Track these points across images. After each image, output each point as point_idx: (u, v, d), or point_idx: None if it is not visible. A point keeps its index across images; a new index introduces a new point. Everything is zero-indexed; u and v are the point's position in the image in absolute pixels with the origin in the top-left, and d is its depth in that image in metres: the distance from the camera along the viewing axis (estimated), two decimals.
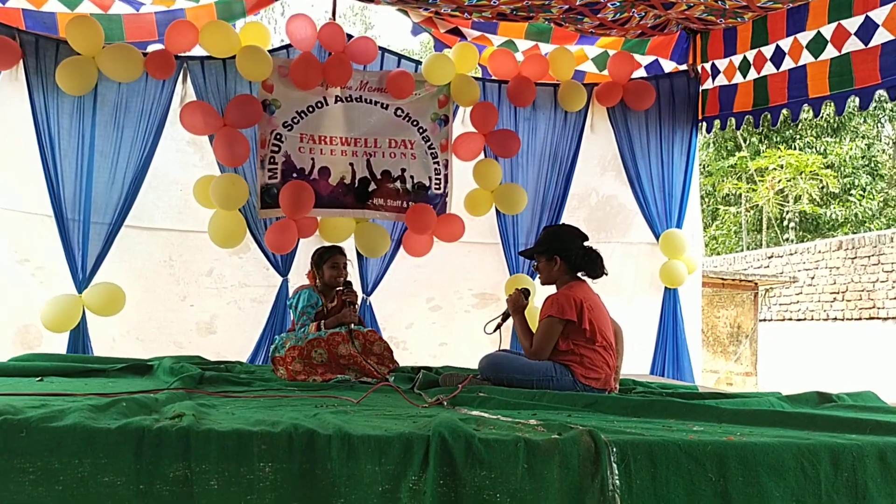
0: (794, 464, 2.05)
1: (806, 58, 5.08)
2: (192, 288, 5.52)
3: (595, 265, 3.79)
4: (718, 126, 6.11)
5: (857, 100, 4.82)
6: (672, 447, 2.02)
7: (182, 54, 5.26)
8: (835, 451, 2.09)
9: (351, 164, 5.50)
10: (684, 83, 6.09)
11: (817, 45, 4.97)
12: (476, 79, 5.77)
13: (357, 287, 4.80)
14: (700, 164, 13.71)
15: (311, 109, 5.43)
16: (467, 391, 3.25)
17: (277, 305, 5.46)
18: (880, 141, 22.66)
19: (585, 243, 3.85)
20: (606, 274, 3.83)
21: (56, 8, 5.10)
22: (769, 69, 5.40)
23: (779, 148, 19.81)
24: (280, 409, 2.56)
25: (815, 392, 3.30)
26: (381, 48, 5.65)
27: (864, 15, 4.63)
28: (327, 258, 4.29)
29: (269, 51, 5.33)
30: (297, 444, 1.94)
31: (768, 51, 5.36)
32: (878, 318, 12.23)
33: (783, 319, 14.37)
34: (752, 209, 21.73)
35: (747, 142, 20.70)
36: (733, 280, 10.15)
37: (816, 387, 3.38)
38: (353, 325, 4.11)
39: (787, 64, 5.25)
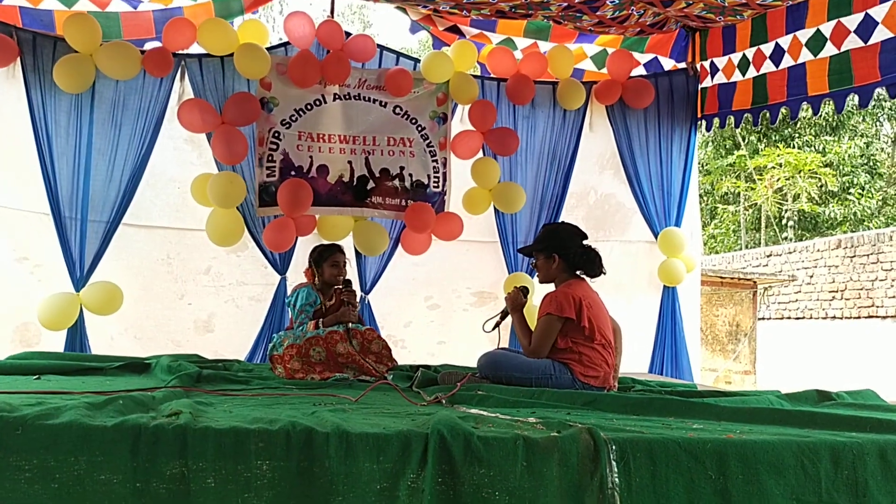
0: (794, 461, 2.04)
1: (805, 56, 5.07)
2: (190, 286, 5.51)
3: (594, 264, 3.78)
4: (717, 124, 6.10)
5: (857, 98, 4.81)
6: (672, 445, 2.02)
7: (180, 52, 5.24)
8: (835, 449, 2.09)
9: (349, 162, 5.49)
10: (683, 81, 6.08)
11: (817, 43, 4.96)
12: (475, 77, 5.76)
13: (355, 285, 4.78)
14: (699, 163, 13.69)
15: (309, 107, 5.41)
16: (466, 389, 3.24)
17: (275, 304, 5.45)
18: (879, 139, 22.68)
19: (584, 242, 3.85)
20: (605, 273, 3.82)
21: (53, 5, 5.09)
22: (768, 67, 5.39)
23: (777, 146, 19.83)
24: (278, 408, 2.55)
25: (814, 390, 3.29)
26: (379, 46, 5.64)
27: (864, 12, 4.62)
28: (327, 256, 4.28)
29: (268, 48, 5.31)
30: (294, 441, 1.93)
31: (767, 48, 5.35)
32: (877, 317, 12.24)
33: (782, 318, 14.38)
34: (751, 208, 21.74)
35: (746, 140, 20.71)
36: (732, 278, 10.14)
37: (815, 385, 3.36)
38: (350, 324, 4.11)
39: (787, 62, 5.24)
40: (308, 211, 5.29)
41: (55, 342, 4.99)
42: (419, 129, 5.61)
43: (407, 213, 5.49)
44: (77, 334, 5.00)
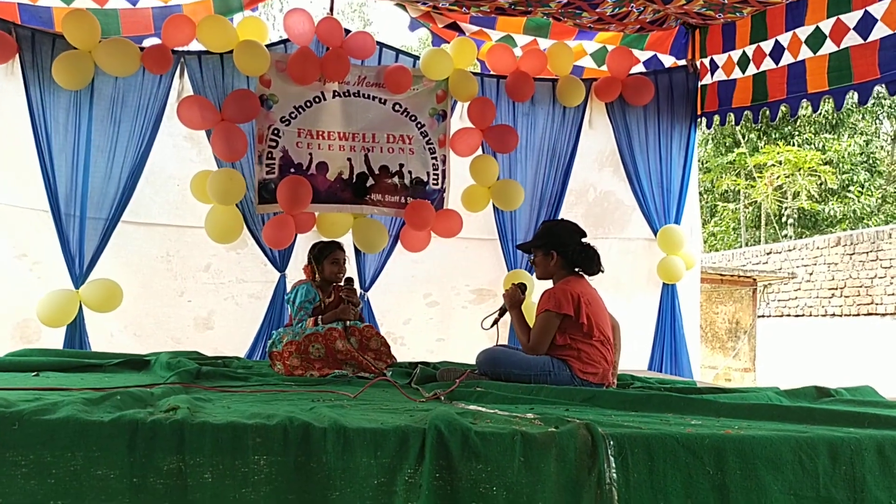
0: (792, 457, 2.04)
1: (805, 53, 5.07)
2: (190, 283, 5.51)
3: (592, 262, 3.78)
4: (717, 121, 6.11)
5: (856, 95, 4.81)
6: (669, 440, 2.01)
7: (179, 49, 5.24)
8: (833, 445, 2.08)
9: (349, 160, 5.48)
10: (683, 78, 6.08)
11: (816, 40, 4.96)
12: (474, 74, 5.75)
13: (355, 283, 4.78)
14: (699, 161, 13.70)
15: (308, 104, 5.41)
16: (465, 386, 3.23)
17: (275, 301, 5.45)
18: (878, 137, 22.69)
19: (583, 239, 3.84)
20: (603, 271, 3.82)
21: (52, 2, 5.08)
22: (768, 64, 5.39)
23: (777, 144, 19.83)
24: (276, 404, 2.54)
25: (813, 387, 3.29)
26: (378, 43, 5.63)
27: (863, 9, 4.63)
28: (327, 254, 4.28)
29: (267, 45, 5.31)
30: (292, 436, 1.93)
31: (767, 46, 5.35)
32: (877, 314, 12.24)
33: (781, 315, 14.38)
34: (751, 205, 21.75)
35: (746, 138, 20.71)
36: (732, 276, 10.14)
37: (815, 382, 3.36)
38: (349, 322, 4.10)
39: (786, 59, 5.24)
40: (307, 208, 5.28)
41: (55, 339, 4.99)
42: (419, 126, 5.61)
43: (406, 210, 5.48)
44: (76, 331, 5.00)
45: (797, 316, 13.98)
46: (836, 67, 4.86)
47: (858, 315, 12.62)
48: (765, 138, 20.73)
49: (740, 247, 19.98)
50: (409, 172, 5.58)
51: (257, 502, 1.86)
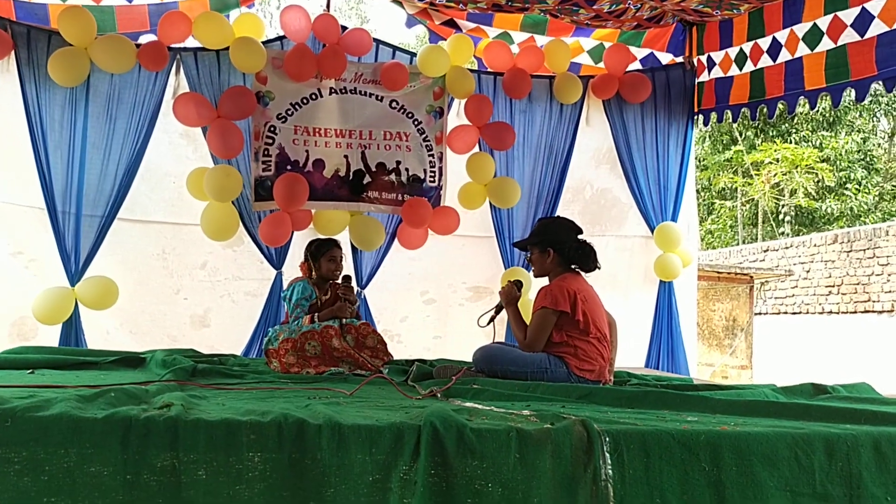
0: (788, 453, 2.04)
1: (802, 50, 5.06)
2: (186, 281, 5.50)
3: (588, 258, 3.77)
4: (715, 119, 6.10)
5: (853, 92, 4.81)
6: (665, 437, 2.01)
7: (175, 45, 5.23)
8: (829, 441, 2.08)
9: (345, 157, 5.47)
10: (680, 76, 6.08)
11: (813, 37, 4.96)
12: (471, 71, 5.75)
13: (352, 280, 4.77)
14: (696, 159, 13.69)
15: (305, 101, 5.40)
16: (461, 383, 3.23)
17: (271, 298, 5.44)
18: (876, 135, 22.70)
19: (579, 236, 3.84)
20: (599, 268, 3.81)
21: None
22: (765, 61, 5.38)
23: (774, 142, 19.82)
24: (272, 401, 2.54)
25: (809, 384, 3.29)
26: (375, 40, 5.62)
27: (860, 7, 4.62)
28: (324, 251, 4.26)
29: (263, 42, 5.30)
30: (286, 433, 1.92)
31: (764, 43, 5.34)
32: (874, 312, 12.25)
33: (779, 313, 14.39)
34: (748, 203, 21.76)
35: (743, 136, 20.72)
36: (729, 273, 10.13)
37: (812, 380, 3.36)
38: (345, 320, 4.10)
39: (784, 56, 5.23)
40: (304, 205, 5.27)
41: (52, 337, 4.98)
42: (415, 123, 5.60)
43: (403, 207, 5.47)
44: (72, 329, 4.99)
45: (794, 313, 13.99)
46: (834, 64, 4.86)
47: (855, 312, 12.64)
48: (762, 136, 20.73)
49: (737, 244, 19.98)
50: (406, 170, 5.57)
51: (251, 499, 1.86)
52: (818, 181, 19.55)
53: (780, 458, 2.02)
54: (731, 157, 20.57)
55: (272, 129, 5.33)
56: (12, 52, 4.97)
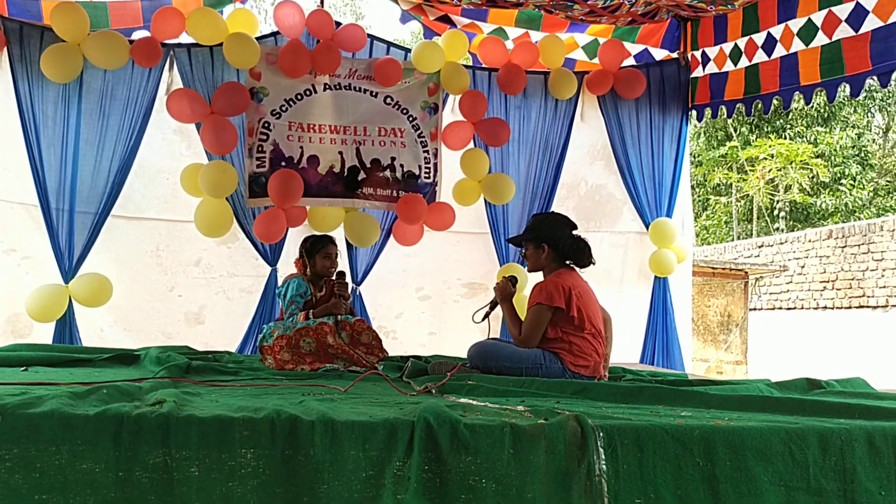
0: (782, 448, 2.03)
1: (797, 45, 5.06)
2: (180, 278, 5.48)
3: (583, 254, 3.78)
4: (709, 114, 6.09)
5: (848, 87, 4.81)
6: (659, 432, 2.01)
7: (168, 41, 5.20)
8: (823, 435, 2.08)
9: (340, 153, 5.46)
10: (675, 71, 6.07)
11: (808, 32, 4.95)
12: (466, 67, 5.73)
13: (347, 277, 4.76)
14: (691, 154, 13.71)
15: (299, 97, 5.38)
16: (456, 379, 3.23)
17: (266, 295, 5.43)
18: (870, 130, 22.75)
19: (574, 232, 3.84)
20: (594, 263, 3.81)
21: None
22: (760, 57, 5.38)
23: (769, 137, 19.86)
24: (266, 398, 2.53)
25: (804, 379, 3.29)
26: (370, 36, 5.60)
27: (855, 1, 4.62)
28: (319, 248, 4.26)
29: (257, 38, 5.27)
30: (279, 430, 1.91)
31: (759, 38, 5.34)
32: (868, 307, 12.29)
33: (773, 308, 14.42)
34: (743, 199, 21.81)
35: (737, 132, 20.74)
36: (724, 269, 10.15)
37: (806, 375, 3.36)
38: (339, 316, 4.09)
39: (779, 51, 5.23)
40: (299, 202, 5.26)
41: (46, 334, 4.96)
42: (410, 119, 5.58)
43: (399, 204, 5.46)
44: (66, 326, 4.98)
45: (789, 309, 14.02)
46: (829, 60, 4.85)
47: (850, 308, 12.67)
48: (757, 131, 20.77)
49: (732, 240, 20.03)
50: (401, 166, 5.55)
51: (244, 496, 1.85)
52: (813, 177, 19.59)
53: (774, 452, 2.02)
54: (726, 153, 20.59)
55: (266, 125, 5.31)
56: (5, 49, 4.94)
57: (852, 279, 12.63)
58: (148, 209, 5.39)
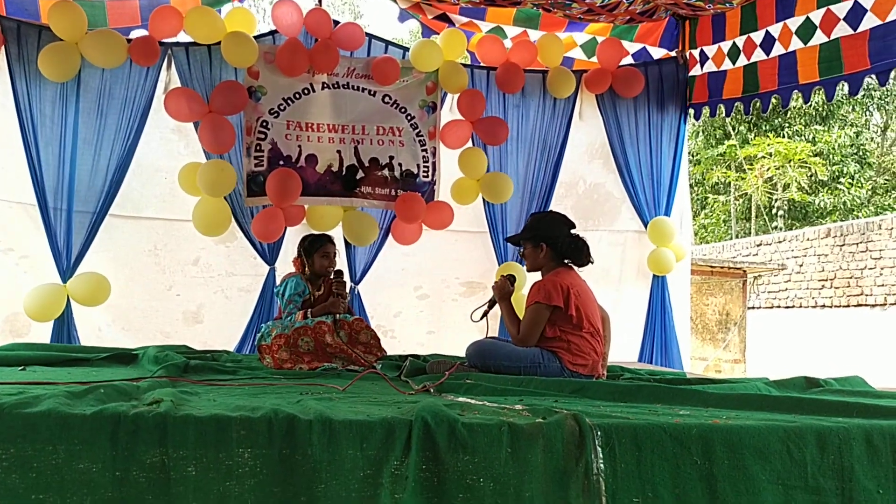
0: (780, 446, 2.03)
1: (795, 44, 5.06)
2: (179, 277, 5.48)
3: (581, 253, 3.77)
4: (707, 113, 6.09)
5: (847, 85, 4.81)
6: (657, 430, 2.00)
7: (166, 40, 5.20)
8: (821, 434, 2.08)
9: (338, 152, 5.45)
10: (673, 70, 6.07)
11: (806, 31, 4.95)
12: (464, 65, 5.73)
13: (345, 276, 4.76)
14: (689, 153, 13.70)
15: (297, 96, 5.37)
16: (454, 378, 3.22)
17: (264, 294, 5.42)
18: (869, 129, 22.77)
19: (572, 231, 3.84)
20: (592, 262, 3.81)
21: None
22: (759, 55, 5.38)
23: (767, 136, 19.87)
24: (263, 397, 2.53)
25: (802, 377, 3.29)
26: (368, 34, 5.59)
27: (853, 0, 4.61)
28: (318, 247, 4.25)
29: (255, 37, 5.26)
30: (277, 429, 1.91)
31: (758, 37, 5.34)
32: (866, 305, 12.30)
33: (772, 307, 14.43)
34: (741, 197, 21.82)
35: (736, 130, 20.75)
36: (722, 268, 10.15)
37: (804, 373, 3.36)
38: (338, 315, 4.09)
39: (777, 50, 5.22)
40: (297, 201, 5.25)
41: (44, 333, 4.96)
42: (408, 118, 5.58)
43: (397, 203, 5.46)
44: (64, 325, 4.97)
45: (787, 307, 14.03)
46: (827, 58, 4.85)
47: (848, 306, 12.68)
48: (755, 130, 20.78)
49: (730, 239, 20.04)
50: (400, 165, 5.55)
51: (242, 495, 1.85)
52: (811, 175, 19.60)
53: (772, 451, 2.02)
54: (725, 152, 20.60)
55: (264, 124, 5.31)
56: (2, 48, 4.93)
57: (850, 278, 12.64)
58: (146, 208, 5.39)
